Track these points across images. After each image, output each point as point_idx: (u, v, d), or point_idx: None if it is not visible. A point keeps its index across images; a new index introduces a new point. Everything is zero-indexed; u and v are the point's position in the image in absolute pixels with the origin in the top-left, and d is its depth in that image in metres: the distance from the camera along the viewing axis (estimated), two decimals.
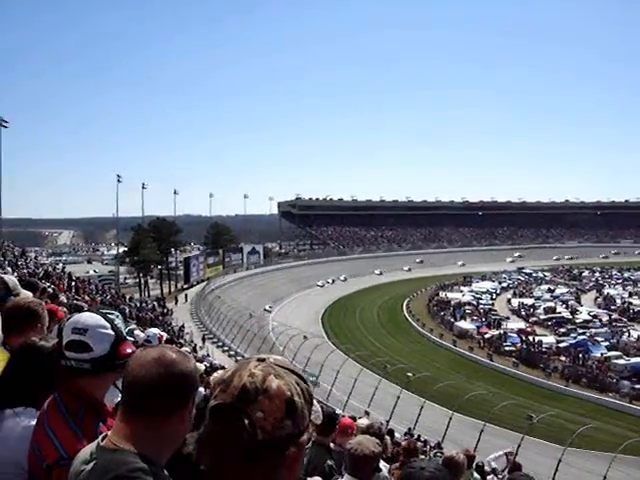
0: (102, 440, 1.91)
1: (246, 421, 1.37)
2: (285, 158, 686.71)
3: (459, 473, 4.74)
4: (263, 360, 1.49)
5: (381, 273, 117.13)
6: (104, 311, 2.79)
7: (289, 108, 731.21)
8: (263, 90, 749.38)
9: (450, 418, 31.46)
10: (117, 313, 2.87)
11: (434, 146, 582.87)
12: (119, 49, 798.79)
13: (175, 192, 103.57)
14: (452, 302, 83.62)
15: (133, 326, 4.64)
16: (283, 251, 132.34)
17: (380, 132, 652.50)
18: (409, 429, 28.75)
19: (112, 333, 2.64)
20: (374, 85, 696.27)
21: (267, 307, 79.64)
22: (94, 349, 2.58)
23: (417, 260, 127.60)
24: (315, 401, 1.63)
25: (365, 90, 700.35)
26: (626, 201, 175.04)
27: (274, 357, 1.53)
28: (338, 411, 6.01)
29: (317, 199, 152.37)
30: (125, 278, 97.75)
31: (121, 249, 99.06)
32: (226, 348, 50.73)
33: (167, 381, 1.89)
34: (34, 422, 2.66)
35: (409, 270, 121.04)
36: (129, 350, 2.62)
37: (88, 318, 2.67)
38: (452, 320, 72.22)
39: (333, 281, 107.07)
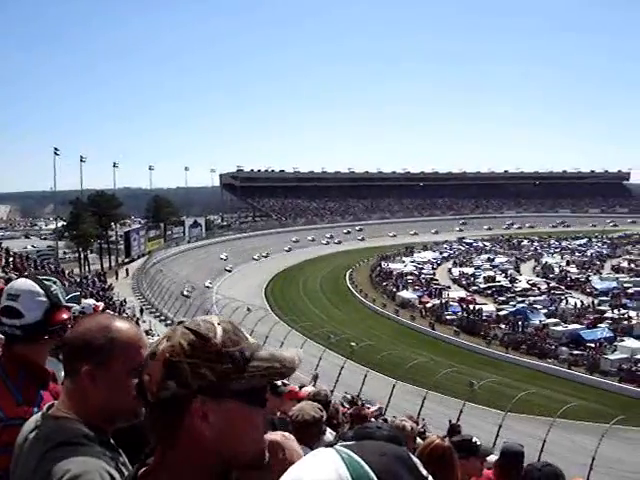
0: (48, 409, 1.92)
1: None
2: (226, 129, 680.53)
3: (409, 440, 4.76)
4: (180, 323, 1.47)
5: (327, 243, 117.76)
6: (41, 277, 2.72)
7: (228, 78, 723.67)
8: (202, 58, 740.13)
9: (393, 386, 31.84)
10: (55, 279, 2.78)
11: (376, 118, 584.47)
12: (55, 16, 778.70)
13: (114, 165, 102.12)
14: (394, 272, 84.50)
15: (77, 293, 4.51)
16: (225, 223, 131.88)
17: (322, 102, 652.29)
18: (352, 397, 28.98)
19: (45, 300, 2.60)
20: (317, 53, 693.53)
21: (208, 282, 79.47)
22: (25, 315, 2.56)
23: (357, 228, 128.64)
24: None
25: (307, 57, 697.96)
26: (564, 172, 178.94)
27: (198, 319, 1.48)
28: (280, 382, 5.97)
29: (259, 170, 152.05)
30: (65, 253, 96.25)
31: (60, 224, 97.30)
32: (169, 322, 50.45)
33: (72, 342, 1.92)
34: None
35: (362, 240, 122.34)
36: (64, 317, 2.62)
37: (22, 284, 2.64)
38: (394, 290, 73.10)
39: (274, 253, 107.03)
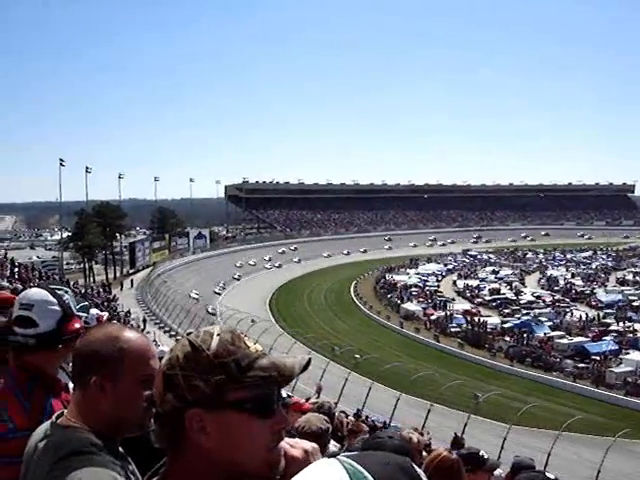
0: (57, 418, 1.92)
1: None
2: (231, 141, 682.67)
3: (416, 453, 4.71)
4: (189, 334, 1.48)
5: (329, 256, 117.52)
6: (53, 287, 2.75)
7: (234, 89, 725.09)
8: (207, 72, 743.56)
9: (398, 399, 31.76)
10: (67, 289, 2.82)
11: (380, 129, 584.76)
12: (59, 29, 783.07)
13: (120, 176, 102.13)
14: (399, 284, 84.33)
15: (86, 303, 4.55)
16: (230, 235, 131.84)
17: (327, 114, 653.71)
18: (358, 410, 28.92)
19: (59, 309, 2.62)
20: (322, 64, 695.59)
21: (214, 291, 79.58)
22: (39, 324, 2.57)
23: (361, 250, 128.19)
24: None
25: (312, 68, 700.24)
26: (569, 184, 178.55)
27: (201, 330, 1.48)
28: (285, 394, 5.95)
29: (264, 182, 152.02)
30: (69, 263, 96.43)
31: (65, 234, 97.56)
32: (173, 333, 50.44)
33: (81, 352, 1.93)
34: None
35: (365, 252, 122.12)
36: (77, 326, 2.63)
37: (35, 294, 2.66)
38: (399, 302, 72.93)
39: (280, 265, 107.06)
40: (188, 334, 1.47)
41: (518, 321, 59.37)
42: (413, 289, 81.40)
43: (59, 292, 2.70)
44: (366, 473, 1.02)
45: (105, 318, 5.69)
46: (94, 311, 5.86)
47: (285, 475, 1.46)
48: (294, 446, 1.56)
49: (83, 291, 51.87)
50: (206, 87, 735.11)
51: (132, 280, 78.00)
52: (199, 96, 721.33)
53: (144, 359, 1.91)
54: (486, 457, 4.83)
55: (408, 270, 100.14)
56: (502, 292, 78.06)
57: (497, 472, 5.64)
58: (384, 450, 3.19)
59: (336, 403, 29.07)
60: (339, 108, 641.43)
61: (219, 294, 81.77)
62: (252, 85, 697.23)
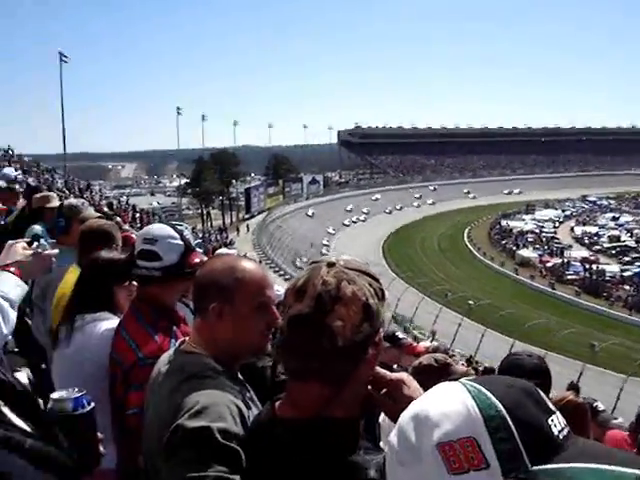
0: (180, 345, 2.09)
1: (326, 330, 1.41)
2: (344, 87, 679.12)
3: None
4: (333, 264, 1.52)
5: (440, 201, 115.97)
6: (174, 223, 2.90)
7: (347, 37, 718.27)
8: (322, 19, 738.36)
9: (512, 346, 31.39)
10: (186, 225, 2.96)
11: (493, 72, 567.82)
12: None
13: (235, 123, 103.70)
14: (514, 230, 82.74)
15: (199, 241, 4.74)
16: (343, 180, 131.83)
17: (438, 58, 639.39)
18: (470, 356, 28.82)
19: (181, 243, 2.78)
20: (436, 11, 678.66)
21: (327, 236, 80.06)
22: (163, 258, 2.73)
23: (468, 193, 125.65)
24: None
25: (433, 11, 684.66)
26: None
27: (343, 258, 1.57)
28: (400, 334, 6.00)
29: (376, 127, 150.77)
30: (188, 209, 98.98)
31: (183, 181, 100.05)
32: (287, 276, 51.21)
33: (201, 280, 2.04)
34: (110, 326, 2.91)
35: (474, 197, 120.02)
36: (197, 260, 2.77)
37: (158, 229, 2.83)
38: (514, 249, 71.63)
39: (390, 211, 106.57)
40: (331, 265, 1.52)
41: (638, 269, 57.38)
42: (529, 235, 79.69)
43: (180, 227, 2.87)
44: (489, 394, 1.03)
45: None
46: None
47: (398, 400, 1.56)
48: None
49: (201, 235, 53.28)
50: (319, 34, 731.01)
51: (248, 225, 79.42)
52: (312, 43, 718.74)
53: (260, 287, 2.03)
54: (601, 409, 4.70)
55: (524, 216, 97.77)
56: (622, 239, 75.44)
57: (618, 421, 5.49)
58: (522, 367, 3.32)
59: (449, 349, 29.11)
60: (459, 51, 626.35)
61: (332, 238, 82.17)
62: (364, 30, 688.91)
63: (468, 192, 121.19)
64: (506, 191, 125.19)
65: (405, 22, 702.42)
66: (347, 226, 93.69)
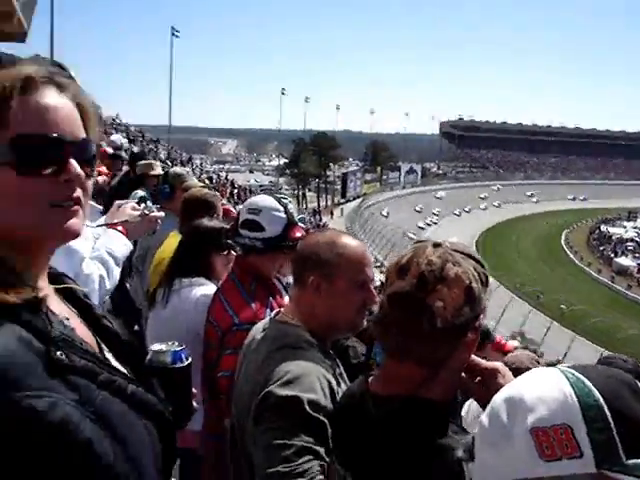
0: (275, 315, 2.13)
1: (426, 310, 1.39)
2: (449, 76, 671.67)
3: None
4: (439, 245, 1.51)
5: (537, 202, 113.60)
6: (278, 195, 2.92)
7: (455, 27, 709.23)
8: (430, 8, 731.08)
9: (601, 354, 30.57)
10: (290, 199, 2.98)
11: (608, 70, 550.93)
12: None
13: (337, 107, 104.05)
14: (614, 237, 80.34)
15: (303, 216, 4.80)
16: (441, 172, 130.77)
17: (551, 55, 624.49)
18: (557, 360, 28.21)
19: (284, 216, 2.82)
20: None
21: (411, 234, 79.59)
22: (266, 229, 2.79)
23: (577, 197, 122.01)
24: None
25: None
26: None
27: (450, 241, 1.55)
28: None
29: (480, 121, 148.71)
30: (285, 189, 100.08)
31: (282, 161, 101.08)
32: (378, 264, 51.04)
33: (302, 252, 2.08)
34: (206, 292, 3.04)
35: (574, 199, 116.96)
36: (299, 234, 2.81)
37: (262, 200, 2.88)
38: (612, 256, 69.58)
39: (485, 207, 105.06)
40: (436, 244, 1.52)
41: None
42: (629, 243, 77.26)
43: (284, 201, 2.90)
44: (587, 382, 1.02)
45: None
46: None
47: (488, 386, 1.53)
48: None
49: None
50: (429, 26, 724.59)
51: (342, 209, 79.89)
52: (419, 30, 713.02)
53: (360, 265, 2.04)
54: None
55: (625, 223, 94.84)
56: None
57: None
58: (618, 367, 3.20)
59: (535, 352, 28.55)
60: (564, 48, 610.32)
61: (424, 229, 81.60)
62: (475, 25, 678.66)
63: (531, 195, 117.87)
64: (605, 195, 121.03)
65: (517, 18, 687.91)
66: (444, 216, 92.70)
